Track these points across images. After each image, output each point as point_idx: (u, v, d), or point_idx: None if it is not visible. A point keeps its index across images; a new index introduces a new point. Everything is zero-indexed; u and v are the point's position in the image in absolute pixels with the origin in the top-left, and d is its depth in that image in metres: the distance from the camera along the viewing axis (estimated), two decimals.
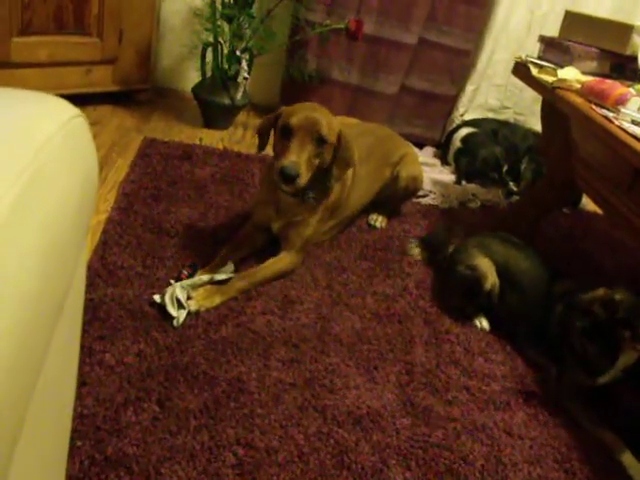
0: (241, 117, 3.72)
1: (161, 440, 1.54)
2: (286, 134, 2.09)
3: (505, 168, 3.64)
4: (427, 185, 3.34)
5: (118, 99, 3.51)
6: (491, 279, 2.24)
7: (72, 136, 0.70)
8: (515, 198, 3.54)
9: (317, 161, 2.14)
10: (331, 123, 2.16)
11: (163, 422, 1.59)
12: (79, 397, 1.57)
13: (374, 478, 1.60)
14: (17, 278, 0.51)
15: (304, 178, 2.08)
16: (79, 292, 0.91)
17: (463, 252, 2.40)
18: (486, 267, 2.26)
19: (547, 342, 2.13)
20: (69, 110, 0.74)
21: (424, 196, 3.28)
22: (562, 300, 2.12)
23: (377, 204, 2.84)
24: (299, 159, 2.05)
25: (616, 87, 2.23)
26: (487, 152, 3.64)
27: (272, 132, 2.23)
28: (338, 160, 2.20)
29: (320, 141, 2.11)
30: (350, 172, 2.45)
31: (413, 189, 2.90)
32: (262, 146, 2.28)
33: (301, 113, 2.10)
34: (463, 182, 3.62)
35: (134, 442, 1.52)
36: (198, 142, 3.27)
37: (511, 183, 3.62)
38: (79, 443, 1.47)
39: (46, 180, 0.60)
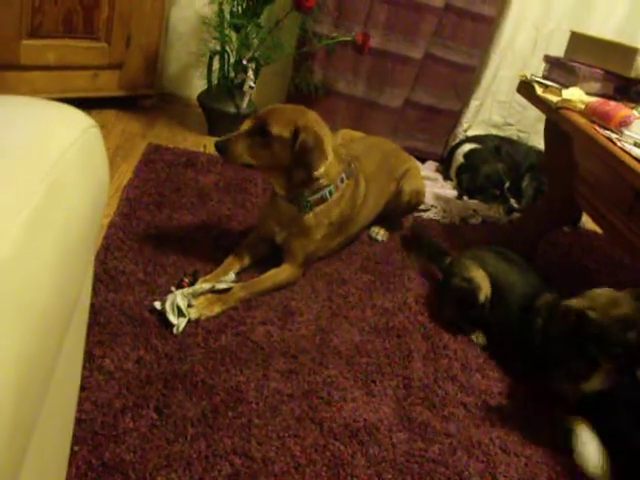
0: None
1: (158, 447, 1.54)
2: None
3: (507, 185, 3.65)
4: (429, 200, 3.36)
5: (123, 104, 3.52)
6: (485, 290, 2.25)
7: (87, 147, 0.71)
8: (516, 215, 3.55)
9: (265, 152, 2.17)
10: (289, 119, 2.16)
11: (161, 429, 1.59)
12: (78, 402, 1.58)
13: None
14: (34, 293, 0.52)
15: (237, 155, 2.17)
16: (85, 300, 0.92)
17: (458, 264, 2.41)
18: (481, 279, 2.27)
19: (531, 355, 2.14)
20: (85, 121, 0.75)
21: (426, 210, 3.29)
22: (542, 313, 2.12)
23: (379, 218, 2.85)
24: (233, 138, 2.17)
25: (620, 109, 2.24)
26: (489, 168, 3.66)
27: None
28: (296, 161, 2.18)
29: (263, 131, 2.14)
30: (362, 189, 2.46)
31: (416, 203, 2.91)
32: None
33: (271, 107, 2.22)
34: (464, 197, 3.63)
35: (131, 448, 1.52)
36: (202, 149, 3.28)
37: (512, 200, 3.63)
38: (76, 448, 1.48)
39: (62, 192, 0.61)
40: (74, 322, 0.79)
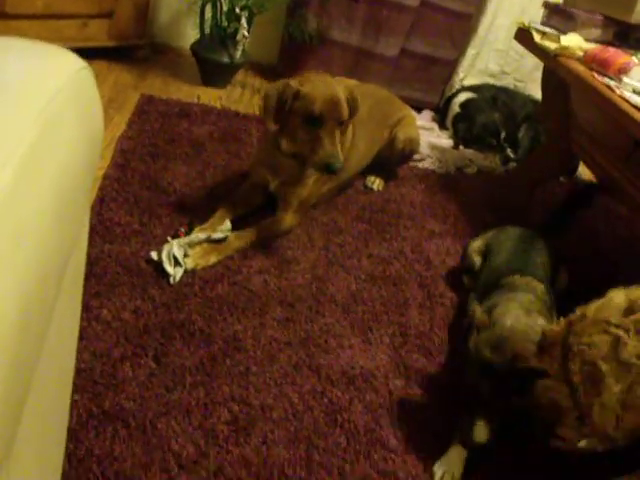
0: (239, 76, 3.69)
1: (157, 395, 1.56)
2: (312, 121, 2.05)
3: (503, 135, 3.63)
4: (424, 149, 3.34)
5: (115, 55, 3.46)
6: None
7: (81, 88, 0.70)
8: (512, 165, 3.54)
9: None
10: (345, 97, 2.15)
11: (159, 378, 1.61)
12: (76, 352, 1.59)
13: (366, 437, 1.63)
14: (32, 226, 0.51)
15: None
16: (82, 248, 0.91)
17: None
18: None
19: None
20: (76, 62, 0.73)
21: (421, 160, 3.27)
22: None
23: (374, 166, 2.83)
24: (337, 149, 2.05)
25: (619, 55, 2.22)
26: (485, 118, 3.63)
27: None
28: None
29: (342, 122, 2.12)
30: (349, 134, 2.44)
31: (410, 151, 2.89)
32: (276, 120, 2.14)
33: (322, 95, 2.06)
34: (460, 147, 3.61)
35: (131, 397, 1.53)
36: (196, 100, 3.25)
37: (508, 150, 3.62)
38: (76, 397, 1.49)
39: (57, 131, 0.60)
40: (72, 267, 0.79)
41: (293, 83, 2.09)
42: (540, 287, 1.96)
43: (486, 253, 2.27)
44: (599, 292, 1.53)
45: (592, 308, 1.50)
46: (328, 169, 2.03)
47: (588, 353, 1.41)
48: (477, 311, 1.78)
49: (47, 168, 0.56)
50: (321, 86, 2.09)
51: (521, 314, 1.75)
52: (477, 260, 2.27)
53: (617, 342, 1.38)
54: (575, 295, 1.72)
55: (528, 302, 1.84)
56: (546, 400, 1.51)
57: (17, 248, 0.49)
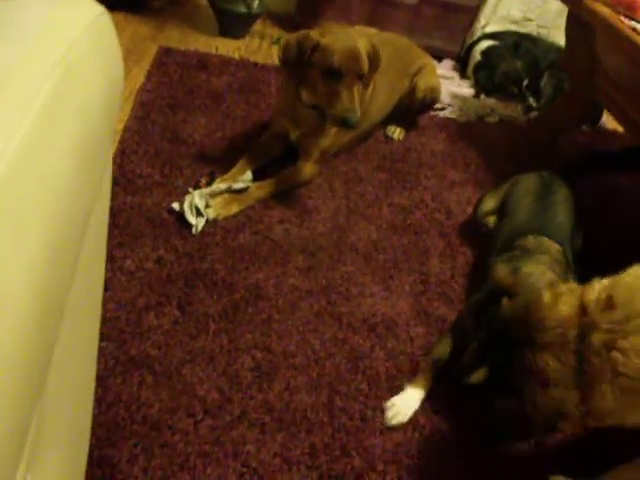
0: (257, 26, 3.65)
1: (182, 343, 1.59)
2: (331, 75, 2.01)
3: (525, 83, 3.57)
4: (445, 98, 3.30)
5: (131, 7, 3.43)
6: None
7: (99, 34, 0.70)
8: (534, 114, 3.49)
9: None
10: (367, 50, 2.10)
11: (183, 326, 1.64)
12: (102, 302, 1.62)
13: (387, 383, 1.66)
14: (56, 175, 0.52)
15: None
16: (106, 198, 0.92)
17: None
18: None
19: None
20: (95, 8, 0.73)
21: (442, 109, 3.24)
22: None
23: (395, 116, 2.81)
24: (354, 103, 2.01)
25: None
26: (507, 66, 3.57)
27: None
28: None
29: (362, 76, 2.08)
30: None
31: (431, 100, 2.86)
32: (296, 77, 2.13)
33: (342, 48, 2.01)
34: (482, 96, 3.56)
35: (156, 344, 1.57)
36: (214, 51, 3.22)
37: (531, 98, 3.56)
38: (103, 344, 1.52)
39: (77, 76, 0.60)
40: (95, 218, 0.80)
41: (313, 34, 2.05)
42: (555, 247, 1.89)
43: (501, 211, 2.21)
44: (616, 258, 1.38)
45: (620, 289, 1.26)
46: (344, 123, 2.00)
47: (628, 364, 1.17)
48: (501, 273, 1.77)
49: (67, 116, 0.57)
50: (342, 39, 2.04)
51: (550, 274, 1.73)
52: (490, 221, 2.24)
53: None
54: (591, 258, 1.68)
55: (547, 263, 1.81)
56: (551, 410, 1.31)
57: (41, 194, 0.50)
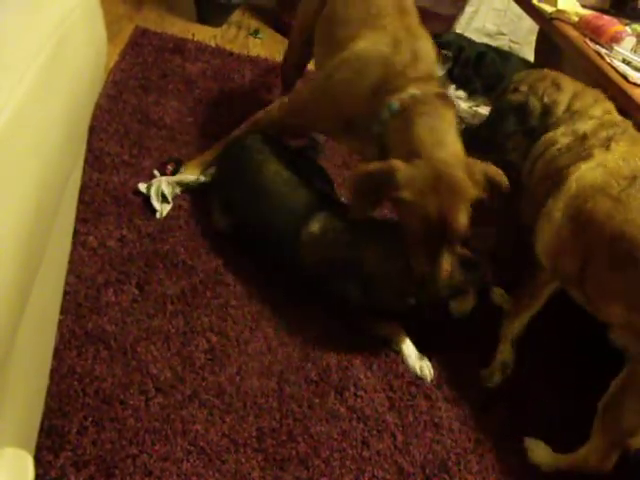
0: (236, 16, 3.65)
1: (139, 321, 1.62)
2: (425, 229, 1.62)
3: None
4: None
5: None
6: None
7: (89, 8, 0.72)
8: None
9: None
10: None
11: (141, 304, 1.66)
12: None
13: (338, 374, 1.70)
14: (47, 133, 0.55)
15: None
16: (80, 167, 0.95)
17: None
18: None
19: None
20: None
21: None
22: None
23: None
24: (438, 270, 1.64)
25: (613, 24, 2.24)
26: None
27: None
28: None
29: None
30: None
31: None
32: (361, 211, 1.76)
33: (427, 207, 1.58)
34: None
35: (113, 321, 1.59)
36: (191, 37, 3.22)
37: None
38: (61, 317, 1.53)
39: (69, 49, 0.63)
40: (70, 187, 0.82)
41: (395, 164, 1.61)
42: None
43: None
44: None
45: None
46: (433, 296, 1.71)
47: None
48: None
49: (60, 83, 0.60)
50: (430, 183, 1.57)
51: None
52: None
53: None
54: None
55: None
56: None
57: (34, 151, 0.53)
